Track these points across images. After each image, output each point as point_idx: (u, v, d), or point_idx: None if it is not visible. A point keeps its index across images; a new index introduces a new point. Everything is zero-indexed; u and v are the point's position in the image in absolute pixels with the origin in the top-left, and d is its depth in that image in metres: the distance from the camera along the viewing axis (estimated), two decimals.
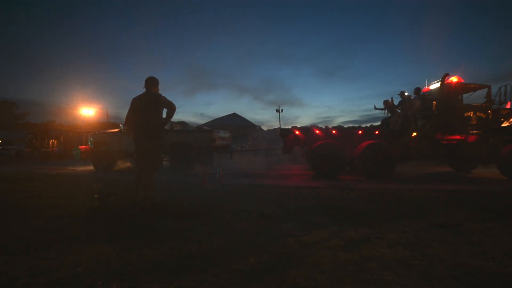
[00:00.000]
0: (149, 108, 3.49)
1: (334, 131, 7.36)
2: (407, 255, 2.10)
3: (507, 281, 1.73)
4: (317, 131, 7.41)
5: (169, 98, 3.60)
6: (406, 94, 7.85)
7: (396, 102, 8.37)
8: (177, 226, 2.82)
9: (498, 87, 6.81)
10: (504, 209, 3.52)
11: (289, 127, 7.86)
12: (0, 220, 3.07)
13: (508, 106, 6.93)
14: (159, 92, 3.65)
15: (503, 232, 2.62)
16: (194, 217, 3.14)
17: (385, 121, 8.44)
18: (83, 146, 9.22)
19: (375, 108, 8.95)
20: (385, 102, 8.60)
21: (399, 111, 8.14)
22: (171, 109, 3.57)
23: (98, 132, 9.66)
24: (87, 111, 25.00)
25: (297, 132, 7.36)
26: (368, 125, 8.59)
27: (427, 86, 7.77)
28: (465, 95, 7.15)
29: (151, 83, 3.58)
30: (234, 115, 32.08)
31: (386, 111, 8.70)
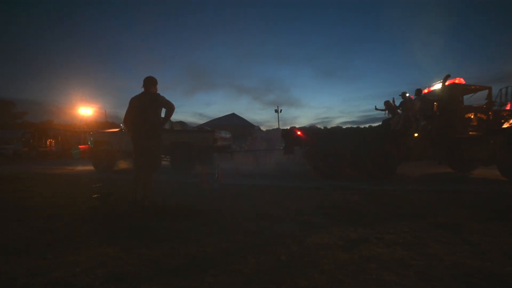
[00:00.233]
0: (147, 107, 3.49)
1: (335, 132, 7.38)
2: (407, 255, 2.11)
3: (506, 281, 1.74)
4: (318, 131, 7.44)
5: (168, 98, 3.59)
6: (407, 95, 7.88)
7: (397, 103, 8.39)
8: (176, 226, 2.82)
9: (499, 88, 6.85)
10: (504, 209, 3.54)
11: (288, 127, 7.87)
12: (0, 220, 3.06)
13: (508, 107, 6.94)
14: (158, 91, 3.65)
15: (503, 232, 2.63)
16: (194, 217, 3.14)
17: (386, 122, 8.47)
18: (83, 146, 9.18)
19: (376, 109, 8.97)
20: (386, 103, 8.61)
21: (400, 112, 8.16)
22: (170, 108, 3.57)
23: (98, 131, 9.58)
24: (86, 111, 24.95)
25: (298, 133, 7.37)
26: (367, 125, 8.59)
27: (429, 87, 7.81)
28: (466, 97, 7.17)
29: (150, 82, 3.58)
30: (233, 115, 32.10)
31: (387, 112, 8.72)
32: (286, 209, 3.56)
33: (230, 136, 9.84)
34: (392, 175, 6.63)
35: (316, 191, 4.97)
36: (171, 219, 3.06)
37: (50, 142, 20.05)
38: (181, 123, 9.79)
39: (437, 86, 7.34)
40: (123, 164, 9.05)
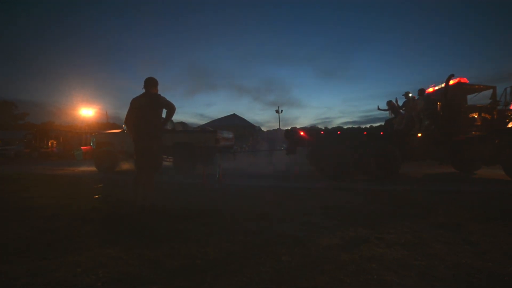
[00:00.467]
0: (148, 108, 3.49)
1: (338, 132, 7.38)
2: (407, 255, 2.10)
3: (506, 281, 1.73)
4: (321, 132, 7.44)
5: (168, 98, 3.60)
6: (410, 95, 7.86)
7: (400, 103, 8.37)
8: (176, 226, 2.82)
9: (504, 88, 6.79)
10: (504, 209, 3.52)
11: (290, 128, 7.87)
12: (0, 220, 3.07)
13: None
14: (158, 92, 3.65)
15: (503, 232, 2.62)
16: (194, 218, 3.14)
17: (388, 122, 8.45)
18: (85, 147, 9.17)
19: (379, 109, 8.93)
20: (389, 102, 8.58)
21: (402, 112, 8.14)
22: (171, 109, 3.57)
23: (100, 132, 9.54)
24: (87, 112, 25.03)
25: (302, 133, 7.36)
26: (368, 126, 8.59)
27: (432, 87, 7.78)
28: (469, 96, 7.14)
29: (150, 83, 3.58)
30: (233, 116, 32.09)
31: (389, 112, 8.69)
32: (286, 210, 3.56)
33: (232, 136, 9.82)
34: (395, 175, 6.61)
35: (317, 191, 4.96)
36: (172, 219, 3.07)
37: (52, 143, 20.15)
38: (182, 123, 9.79)
39: (440, 85, 7.32)
40: (125, 165, 9.05)
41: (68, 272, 1.84)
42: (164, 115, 3.63)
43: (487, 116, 6.86)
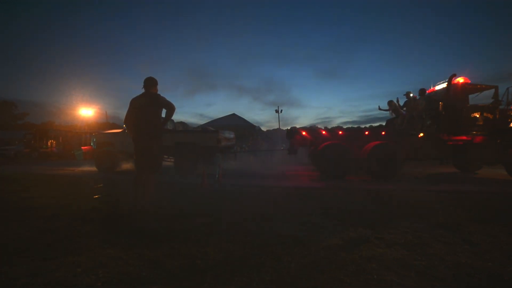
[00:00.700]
0: (148, 108, 3.49)
1: (340, 132, 7.37)
2: (407, 255, 2.11)
3: (506, 281, 1.74)
4: (324, 132, 7.43)
5: (168, 98, 3.60)
6: (411, 95, 7.86)
7: (401, 103, 8.37)
8: (177, 226, 2.82)
9: (506, 87, 6.77)
10: (504, 209, 3.53)
11: (289, 128, 7.86)
12: (0, 220, 3.06)
13: None
14: (158, 92, 3.65)
15: (503, 232, 2.63)
16: (194, 218, 3.14)
17: (390, 121, 8.45)
18: (86, 147, 9.12)
19: (380, 109, 8.91)
20: (390, 102, 8.57)
21: (404, 111, 8.14)
22: (171, 109, 3.57)
23: (101, 132, 9.50)
24: (86, 112, 25.00)
25: (303, 133, 7.35)
26: (368, 125, 8.59)
27: (433, 87, 7.78)
28: (471, 96, 7.13)
29: (150, 83, 3.58)
30: (233, 116, 32.04)
31: (390, 112, 8.69)
32: (286, 210, 3.56)
33: (233, 136, 9.79)
34: (396, 175, 6.60)
35: (317, 191, 4.96)
36: (172, 219, 3.07)
37: (51, 143, 20.15)
38: (182, 123, 9.77)
39: (442, 85, 7.31)
40: (126, 165, 9.04)
41: (68, 272, 1.84)
42: (163, 115, 3.64)
43: (489, 115, 6.85)
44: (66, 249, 2.23)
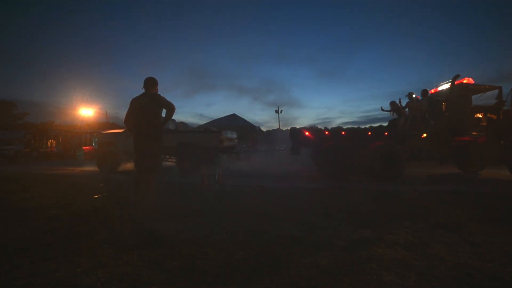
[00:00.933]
0: (148, 108, 3.49)
1: (343, 132, 7.35)
2: (407, 256, 2.10)
3: (506, 281, 1.74)
4: (327, 132, 7.42)
5: (168, 98, 3.60)
6: (414, 95, 7.86)
7: (403, 104, 8.36)
8: (176, 226, 2.82)
9: (510, 88, 6.75)
10: (505, 210, 3.52)
11: (289, 128, 7.86)
12: (0, 220, 3.06)
13: None
14: (158, 92, 3.65)
15: (503, 233, 2.63)
16: (194, 218, 3.14)
17: (392, 122, 8.43)
18: (87, 147, 9.09)
19: (382, 110, 8.89)
20: (392, 103, 8.56)
21: (406, 112, 8.14)
22: (171, 109, 3.57)
23: (102, 132, 9.46)
24: (86, 112, 25.01)
25: (306, 133, 7.34)
26: (368, 126, 8.59)
27: (436, 87, 7.78)
28: (474, 96, 7.10)
29: (150, 83, 3.58)
30: (233, 116, 32.07)
31: (391, 112, 8.68)
32: (287, 210, 3.56)
33: (236, 136, 9.76)
34: (399, 175, 6.58)
35: (317, 191, 4.96)
36: (171, 219, 3.07)
37: (51, 143, 20.11)
38: (182, 124, 9.76)
39: (444, 86, 7.30)
40: (127, 165, 9.03)
41: (68, 272, 1.84)
42: (164, 115, 3.64)
43: (493, 116, 6.83)
44: (66, 249, 2.23)
